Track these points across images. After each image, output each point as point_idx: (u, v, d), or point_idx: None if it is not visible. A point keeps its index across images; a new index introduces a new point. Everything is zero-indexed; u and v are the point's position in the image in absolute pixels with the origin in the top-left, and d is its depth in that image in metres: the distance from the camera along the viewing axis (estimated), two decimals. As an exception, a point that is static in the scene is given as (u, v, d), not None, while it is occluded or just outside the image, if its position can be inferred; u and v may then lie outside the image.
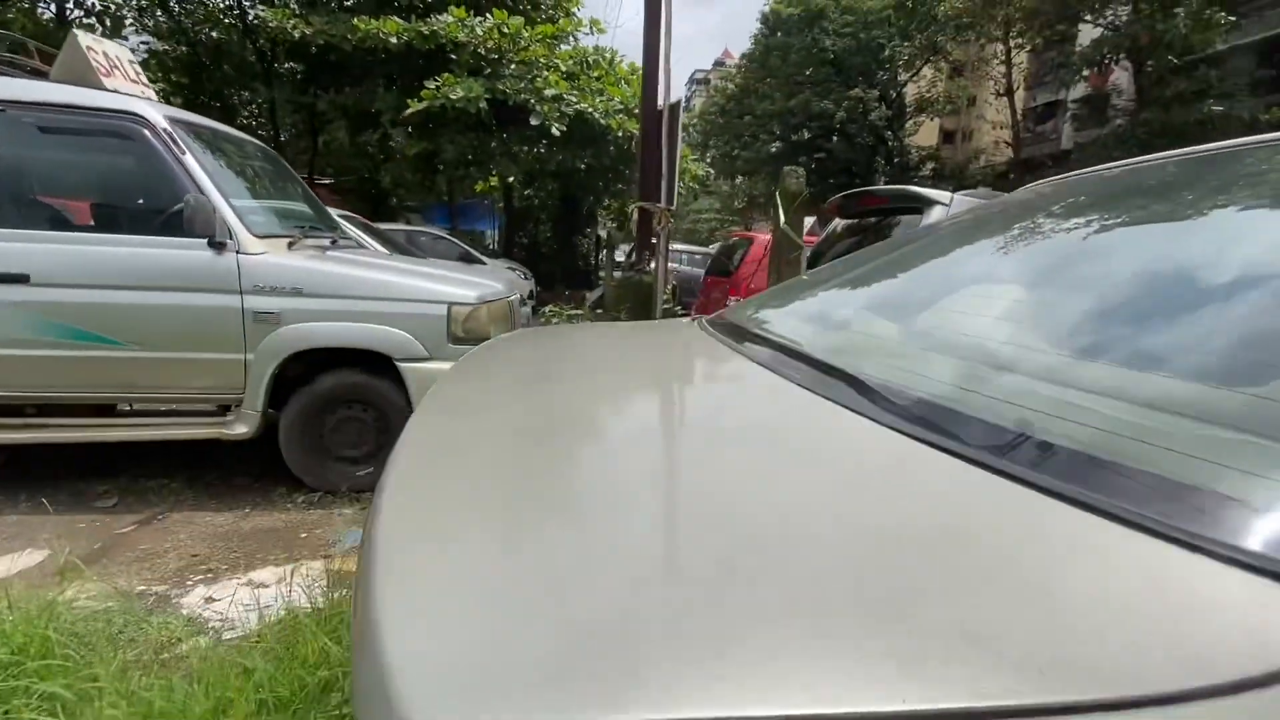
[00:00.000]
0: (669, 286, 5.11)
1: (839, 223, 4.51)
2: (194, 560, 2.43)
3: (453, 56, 8.89)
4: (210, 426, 2.91)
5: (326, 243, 3.47)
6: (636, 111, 9.71)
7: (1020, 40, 18.97)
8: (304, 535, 2.69)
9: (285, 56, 10.32)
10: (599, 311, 10.34)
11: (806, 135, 21.07)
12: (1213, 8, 13.87)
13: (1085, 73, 16.85)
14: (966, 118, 26.58)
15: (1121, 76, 17.12)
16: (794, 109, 20.96)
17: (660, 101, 6.10)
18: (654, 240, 6.59)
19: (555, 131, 8.27)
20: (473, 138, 9.39)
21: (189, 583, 2.27)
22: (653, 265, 6.58)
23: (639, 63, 10.61)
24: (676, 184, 5.60)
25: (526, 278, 9.12)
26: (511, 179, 10.14)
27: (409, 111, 8.19)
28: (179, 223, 2.71)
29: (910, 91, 22.59)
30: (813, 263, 4.55)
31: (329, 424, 3.07)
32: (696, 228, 31.61)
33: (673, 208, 5.71)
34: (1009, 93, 18.99)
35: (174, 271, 2.76)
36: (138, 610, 1.94)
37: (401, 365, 2.98)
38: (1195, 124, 14.38)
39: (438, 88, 8.16)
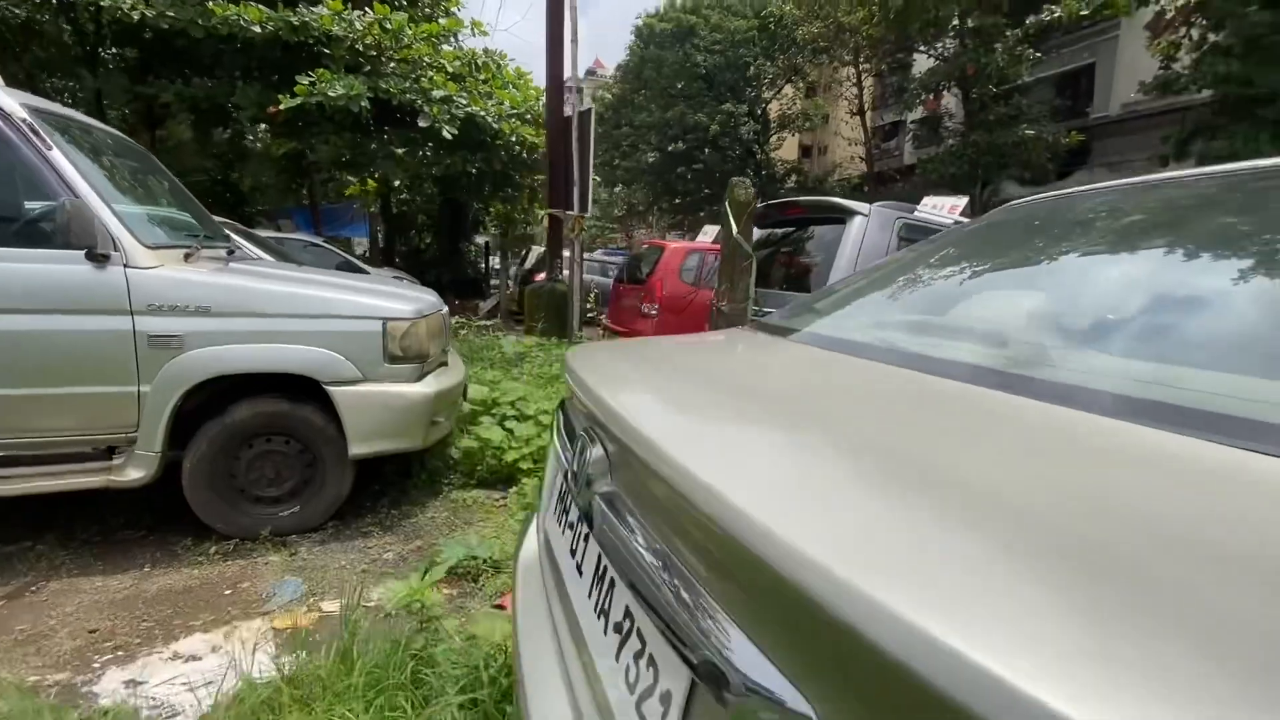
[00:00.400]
0: (593, 294, 5.04)
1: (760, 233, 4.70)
2: (94, 637, 2.02)
3: (325, 51, 8.21)
4: (95, 474, 2.44)
5: (223, 254, 3.05)
6: (529, 117, 9.57)
7: (868, 65, 20.94)
8: (228, 592, 2.33)
9: (115, 40, 8.97)
10: (496, 320, 10.00)
11: (682, 146, 21.82)
12: (1023, 45, 16.15)
13: (923, 97, 18.90)
14: (822, 134, 28.84)
15: (952, 101, 19.41)
16: (670, 121, 21.63)
17: (568, 109, 6.04)
18: (565, 248, 6.49)
19: (447, 135, 7.90)
20: (350, 138, 8.73)
21: (96, 665, 1.88)
22: (566, 273, 6.48)
23: (525, 67, 10.45)
24: (590, 191, 5.56)
25: (412, 285, 8.62)
26: (397, 182, 9.53)
27: (281, 108, 7.43)
28: (47, 231, 2.26)
29: (774, 108, 24.13)
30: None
31: (244, 460, 2.69)
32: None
33: (587, 215, 5.65)
34: (861, 112, 20.88)
35: (43, 290, 2.29)
36: (42, 710, 1.57)
37: (331, 390, 2.68)
38: (1013, 145, 16.66)
39: (313, 83, 7.48)
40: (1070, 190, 1.58)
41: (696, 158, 21.54)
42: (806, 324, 1.32)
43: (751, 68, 22.23)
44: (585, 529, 0.91)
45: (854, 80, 20.84)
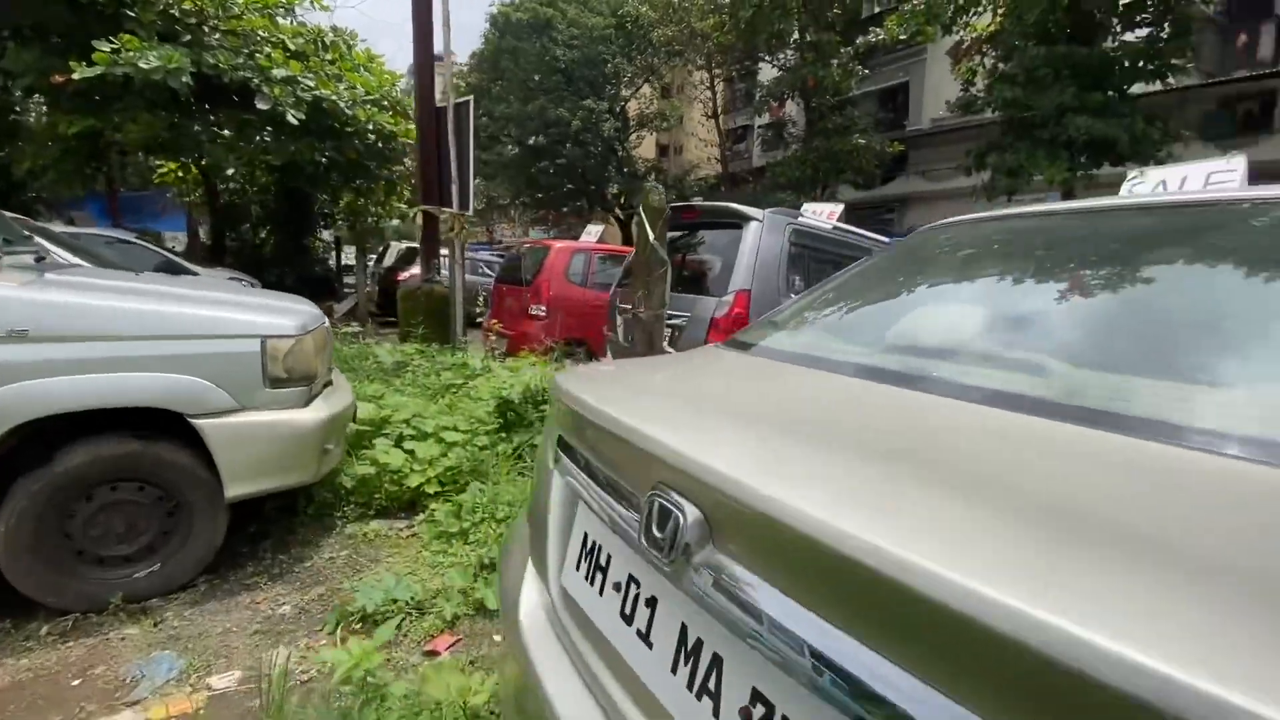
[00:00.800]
0: (482, 298, 4.77)
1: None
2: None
3: (129, 13, 6.97)
4: None
5: (30, 261, 2.47)
6: (386, 103, 8.87)
7: (719, 71, 21.99)
8: (76, 682, 1.89)
9: None
10: (355, 324, 9.16)
11: (544, 141, 21.47)
12: (853, 61, 17.84)
13: (770, 104, 20.22)
14: (677, 134, 29.86)
15: (795, 109, 20.96)
16: (531, 114, 21.15)
17: (438, 95, 5.63)
18: (441, 246, 6.10)
19: (293, 119, 7.06)
20: (166, 117, 7.51)
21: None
22: (444, 274, 6.08)
23: (376, 49, 9.65)
24: (471, 188, 5.25)
25: (253, 287, 7.64)
26: (231, 170, 8.38)
27: (74, 77, 6.18)
28: None
29: (632, 107, 24.51)
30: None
31: (82, 516, 2.20)
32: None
33: (468, 212, 5.34)
34: (716, 115, 21.89)
35: None
36: None
37: (199, 423, 2.28)
38: (847, 152, 18.36)
39: (116, 50, 6.31)
40: (981, 215, 1.74)
41: (559, 153, 21.28)
42: (818, 349, 1.30)
43: (610, 65, 22.37)
44: (648, 593, 0.83)
45: (708, 84, 21.77)
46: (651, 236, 2.84)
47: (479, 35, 23.81)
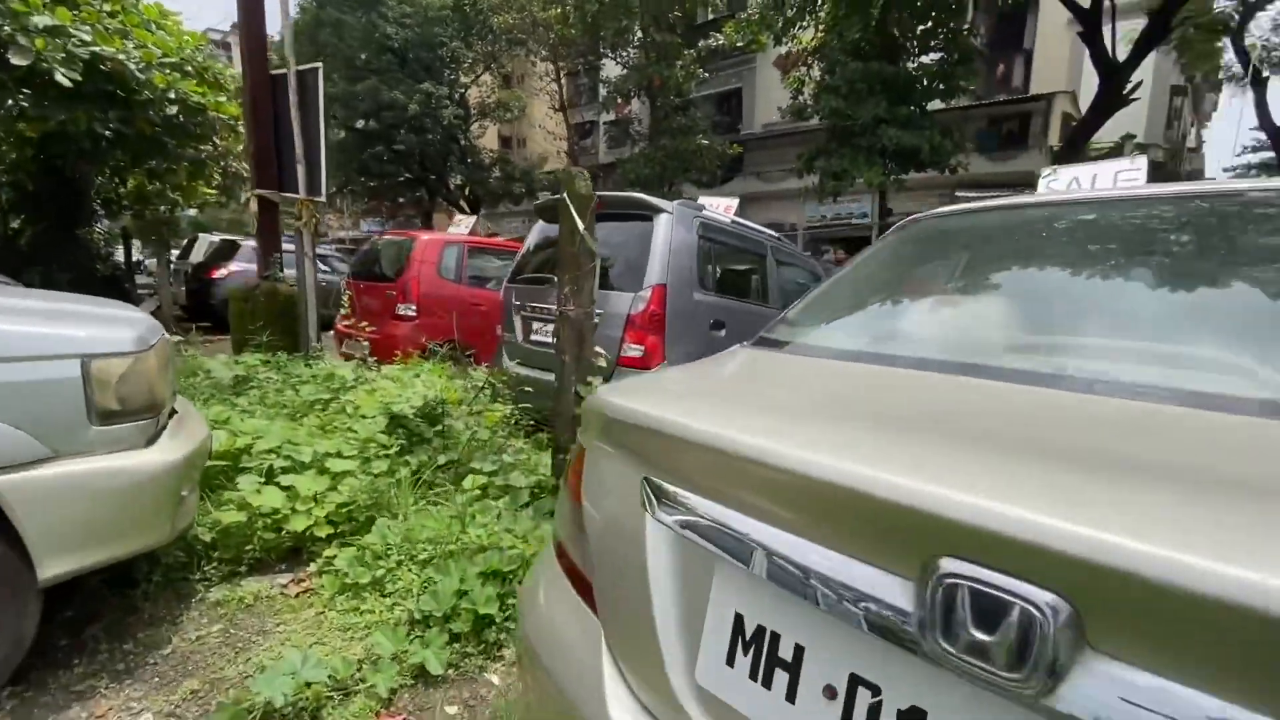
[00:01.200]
0: (348, 296, 4.12)
1: (541, 227, 4.39)
2: None
3: None
4: None
5: None
6: (190, 69, 7.47)
7: (563, 64, 21.67)
8: None
9: None
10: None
11: (376, 125, 19.71)
12: (694, 64, 18.52)
13: (617, 101, 20.35)
14: (522, 127, 29.07)
15: (640, 108, 21.30)
16: (360, 95, 19.28)
17: (278, 62, 4.77)
18: (282, 237, 5.23)
19: (64, 80, 5.63)
20: None
21: None
22: (288, 271, 5.20)
23: (170, 6, 8.10)
24: (323, 170, 4.54)
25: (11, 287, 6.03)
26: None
27: None
28: None
29: (474, 95, 23.35)
30: (517, 272, 4.32)
31: None
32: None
33: (321, 198, 4.62)
34: (563, 109, 21.51)
35: None
36: None
37: (-10, 481, 1.63)
38: (691, 152, 19.05)
39: None
40: (961, 207, 1.73)
41: (394, 138, 19.63)
42: (924, 351, 1.14)
43: (447, 49, 21.08)
44: (905, 702, 0.60)
45: (553, 76, 21.35)
46: (581, 227, 2.56)
47: (294, 4, 21.17)
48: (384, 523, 2.47)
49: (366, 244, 6.75)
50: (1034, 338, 1.10)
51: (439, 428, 3.32)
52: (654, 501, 0.84)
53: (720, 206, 4.28)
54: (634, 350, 3.40)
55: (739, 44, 17.77)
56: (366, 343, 4.02)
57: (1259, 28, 15.05)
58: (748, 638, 0.73)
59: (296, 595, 2.29)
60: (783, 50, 17.80)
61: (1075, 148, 12.90)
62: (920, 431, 0.80)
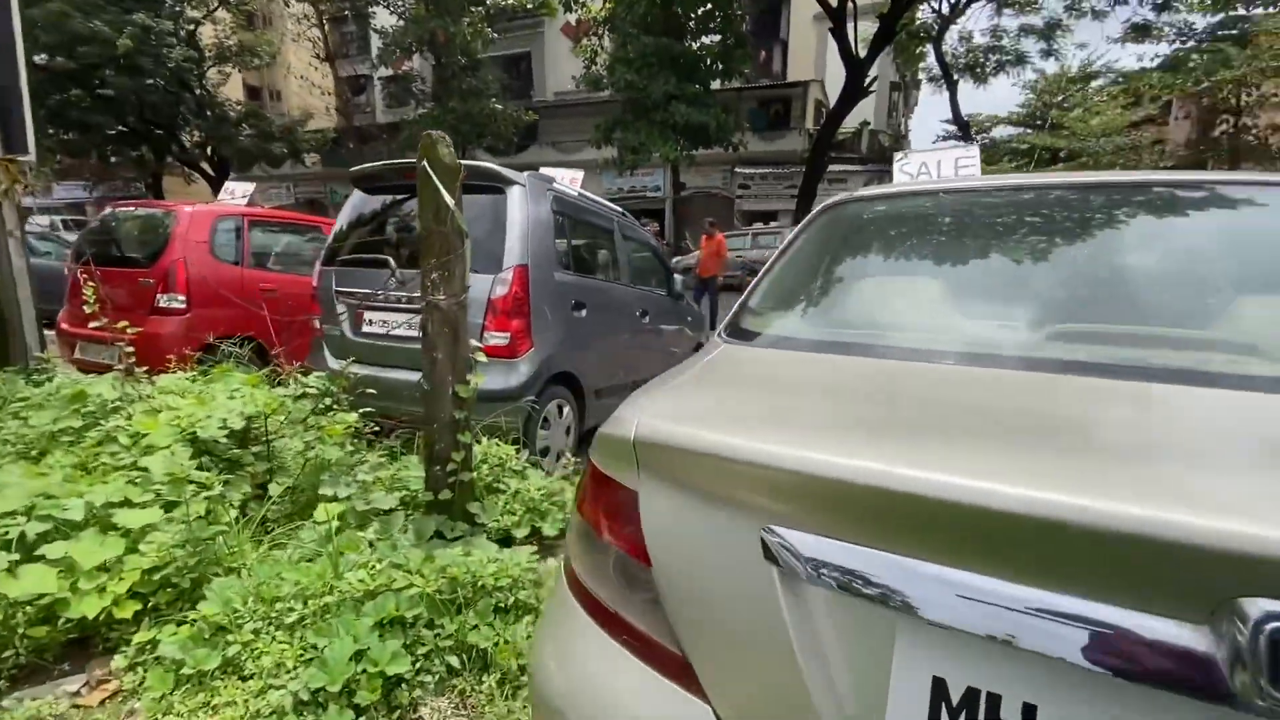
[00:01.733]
0: (95, 286, 3.12)
1: (360, 198, 3.76)
2: None
3: None
4: None
5: None
6: None
7: (325, 7, 18.97)
8: None
9: None
10: None
11: (72, 64, 15.45)
12: (483, 22, 17.42)
13: (396, 55, 18.40)
14: (276, 77, 24.99)
15: (423, 65, 19.53)
16: (39, 21, 14.83)
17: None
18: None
19: None
20: None
21: None
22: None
23: None
24: (28, 114, 3.38)
25: None
26: None
27: None
28: None
29: (209, 35, 19.40)
30: (334, 253, 3.70)
31: None
32: None
33: (27, 157, 3.45)
34: (330, 59, 18.86)
35: None
36: None
37: None
38: (485, 116, 18.05)
39: None
40: (884, 190, 1.79)
41: (102, 80, 15.59)
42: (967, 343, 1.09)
43: (164, -28, 17.15)
44: None
45: (313, 20, 18.57)
46: (450, 202, 2.18)
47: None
48: (222, 583, 1.92)
49: (96, 219, 5.25)
50: (1082, 326, 1.13)
51: (258, 449, 2.70)
52: (792, 557, 0.69)
53: (566, 178, 4.05)
54: (498, 338, 3.08)
55: (529, 4, 17.08)
56: (130, 346, 3.09)
57: (951, 39, 18.41)
58: (955, 704, 0.63)
59: (100, 703, 1.69)
60: (571, 18, 17.54)
61: (830, 130, 14.63)
62: (1102, 449, 0.75)
